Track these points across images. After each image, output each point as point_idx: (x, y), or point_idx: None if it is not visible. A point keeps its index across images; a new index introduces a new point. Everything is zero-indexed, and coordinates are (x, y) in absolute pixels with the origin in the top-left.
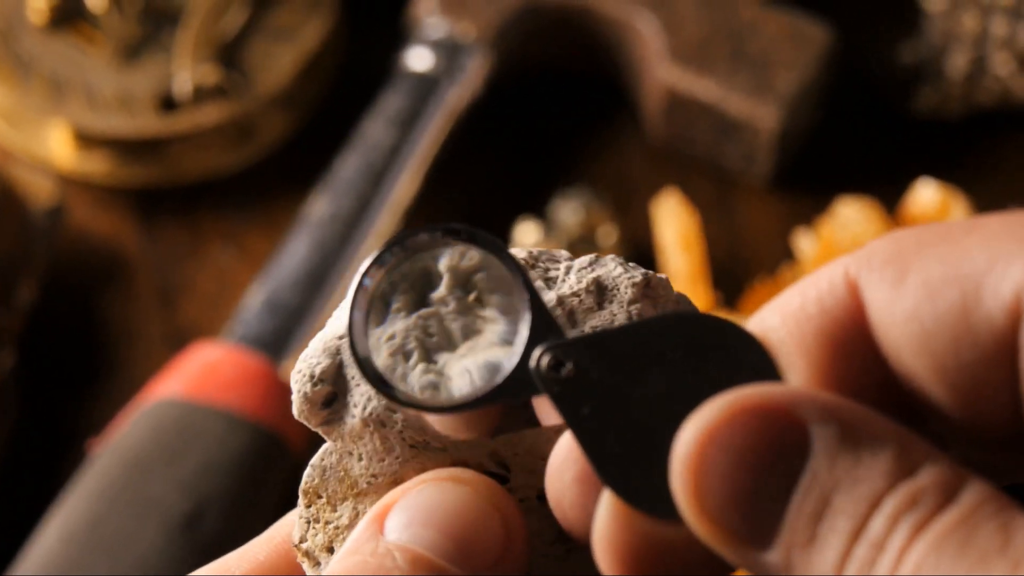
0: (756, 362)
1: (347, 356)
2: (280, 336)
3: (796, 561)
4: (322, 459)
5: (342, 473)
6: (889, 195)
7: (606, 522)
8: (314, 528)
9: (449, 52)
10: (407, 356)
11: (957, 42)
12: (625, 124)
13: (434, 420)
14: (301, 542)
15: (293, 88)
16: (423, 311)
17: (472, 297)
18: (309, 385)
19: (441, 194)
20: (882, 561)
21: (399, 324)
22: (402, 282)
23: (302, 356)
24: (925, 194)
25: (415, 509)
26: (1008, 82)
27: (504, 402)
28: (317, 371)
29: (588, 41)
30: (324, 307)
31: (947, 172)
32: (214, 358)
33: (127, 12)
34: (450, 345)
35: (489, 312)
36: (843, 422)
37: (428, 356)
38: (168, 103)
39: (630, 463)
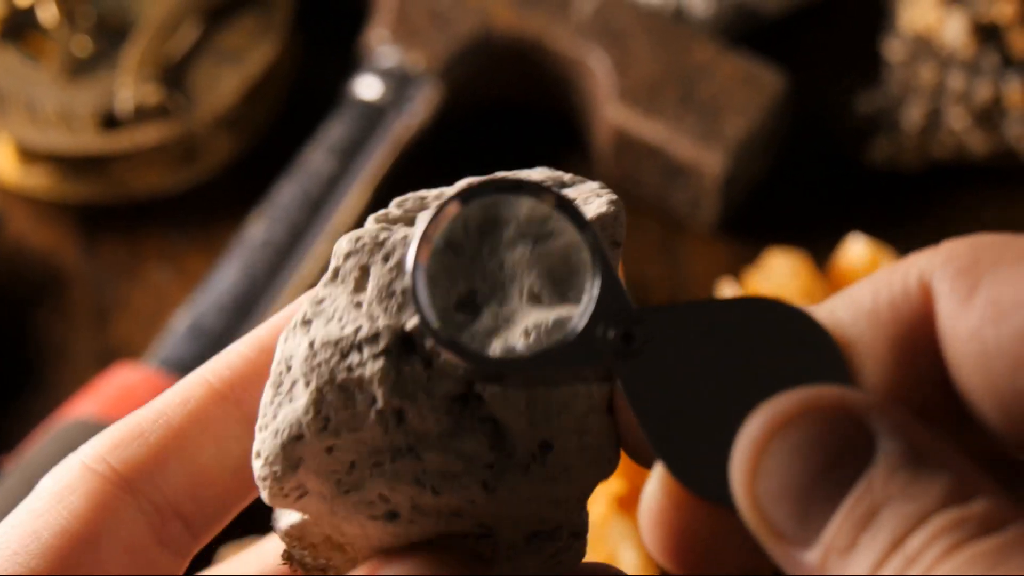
0: (828, 359)
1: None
2: (202, 361)
3: (832, 564)
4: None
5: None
6: (837, 245)
7: (655, 498)
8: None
9: (398, 82)
10: (470, 309)
11: (914, 94)
12: (576, 161)
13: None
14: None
15: (238, 111)
16: (487, 264)
17: (538, 256)
18: (279, 490)
19: None
20: (911, 571)
21: (460, 275)
22: (463, 230)
23: (261, 459)
24: (855, 249)
25: None
26: (963, 137)
27: (563, 368)
28: (281, 477)
29: (540, 76)
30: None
31: (899, 224)
32: (132, 381)
33: (79, 26)
34: (511, 303)
35: (555, 276)
36: (910, 440)
37: (491, 310)
38: (110, 121)
39: (689, 442)
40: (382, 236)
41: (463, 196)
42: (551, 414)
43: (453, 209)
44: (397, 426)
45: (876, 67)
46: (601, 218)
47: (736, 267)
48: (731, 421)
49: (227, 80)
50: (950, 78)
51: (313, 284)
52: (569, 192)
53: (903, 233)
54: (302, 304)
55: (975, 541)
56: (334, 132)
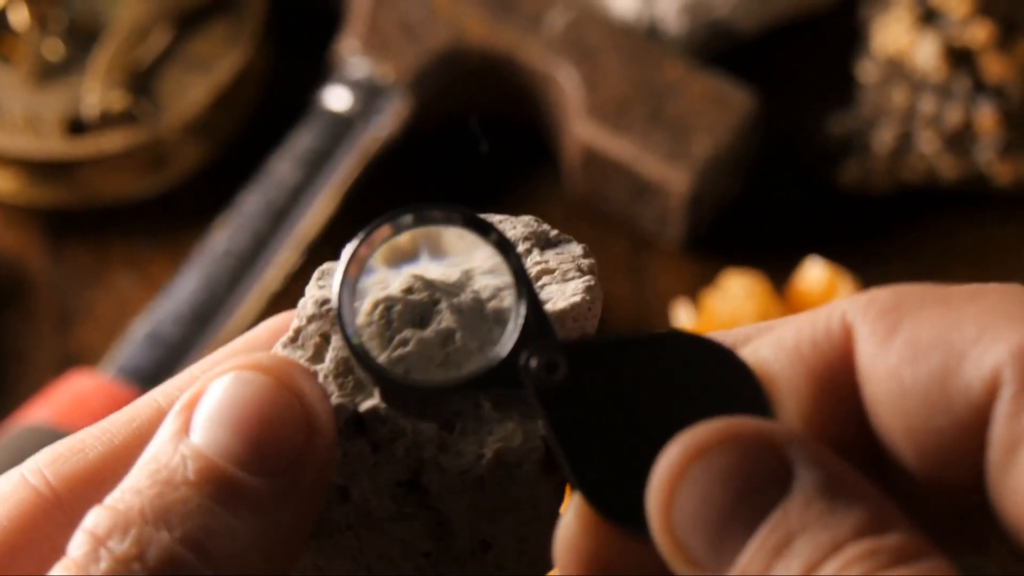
0: (749, 393)
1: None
2: (159, 370)
3: None
4: None
5: None
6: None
7: (571, 527)
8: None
9: (367, 93)
10: (390, 334)
11: (886, 117)
12: (545, 176)
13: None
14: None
15: (207, 119)
16: (394, 327)
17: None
18: None
19: (349, 236)
20: None
21: (384, 297)
22: (389, 258)
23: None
24: (813, 272)
25: (214, 405)
26: (933, 161)
27: (484, 391)
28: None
29: (511, 90)
30: (207, 344)
31: (868, 248)
32: (87, 388)
33: (51, 30)
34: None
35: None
36: (828, 472)
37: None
38: (77, 126)
39: (606, 472)
40: None
41: (394, 221)
42: (495, 516)
43: (385, 232)
44: (340, 503)
45: (850, 89)
46: (573, 308)
47: (701, 286)
48: (650, 452)
49: (195, 88)
50: (921, 101)
51: (275, 294)
52: (549, 253)
53: (872, 257)
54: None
55: (888, 571)
56: (301, 142)
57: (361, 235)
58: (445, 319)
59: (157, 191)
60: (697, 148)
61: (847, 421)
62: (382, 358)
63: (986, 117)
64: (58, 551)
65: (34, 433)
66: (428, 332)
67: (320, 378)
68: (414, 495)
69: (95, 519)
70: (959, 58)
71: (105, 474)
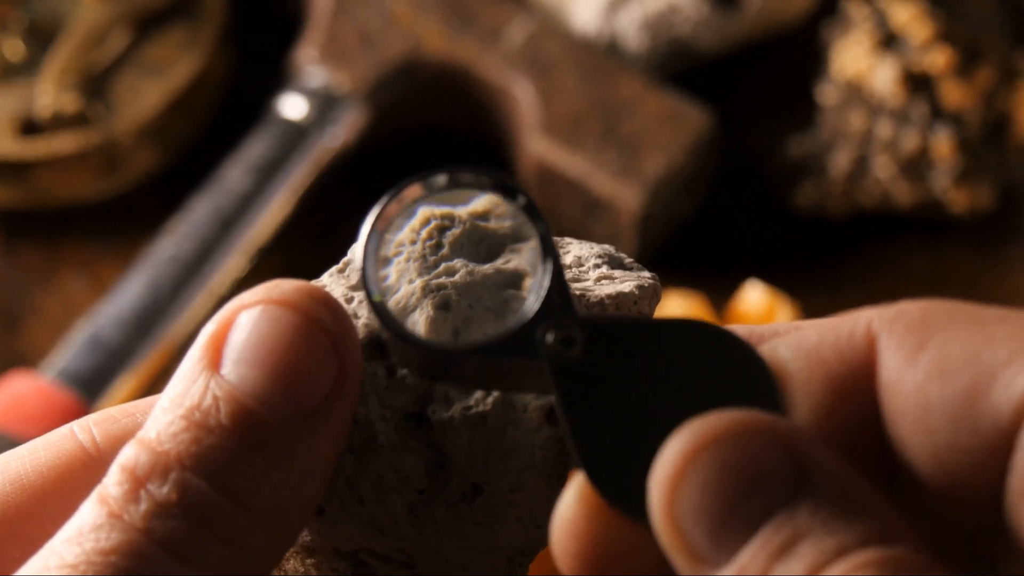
0: (764, 388)
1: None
2: (98, 375)
3: None
4: None
5: None
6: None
7: (571, 507)
8: None
9: (323, 102)
10: (435, 259)
11: (843, 140)
12: None
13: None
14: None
15: (161, 123)
16: (442, 253)
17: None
18: None
19: (301, 246)
20: None
21: (443, 214)
22: (414, 220)
23: None
24: (752, 295)
25: (244, 343)
26: (888, 186)
27: (498, 360)
28: None
29: (468, 103)
30: (147, 350)
31: (822, 271)
32: (25, 390)
33: (11, 30)
34: (462, 295)
35: (509, 265)
36: (839, 478)
37: (439, 300)
38: (30, 127)
39: (612, 454)
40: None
41: (427, 181)
42: (490, 458)
43: (416, 191)
44: (352, 423)
45: (811, 111)
46: (618, 295)
47: None
48: (659, 437)
49: (149, 92)
50: (878, 126)
51: (222, 300)
52: (617, 271)
53: (824, 280)
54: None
55: None
56: (254, 149)
57: (392, 191)
58: (516, 260)
59: (110, 194)
60: (649, 166)
61: (859, 429)
62: (417, 283)
63: (943, 144)
64: None
65: None
66: (488, 267)
67: (356, 302)
68: (419, 430)
69: (134, 456)
70: (918, 84)
71: None
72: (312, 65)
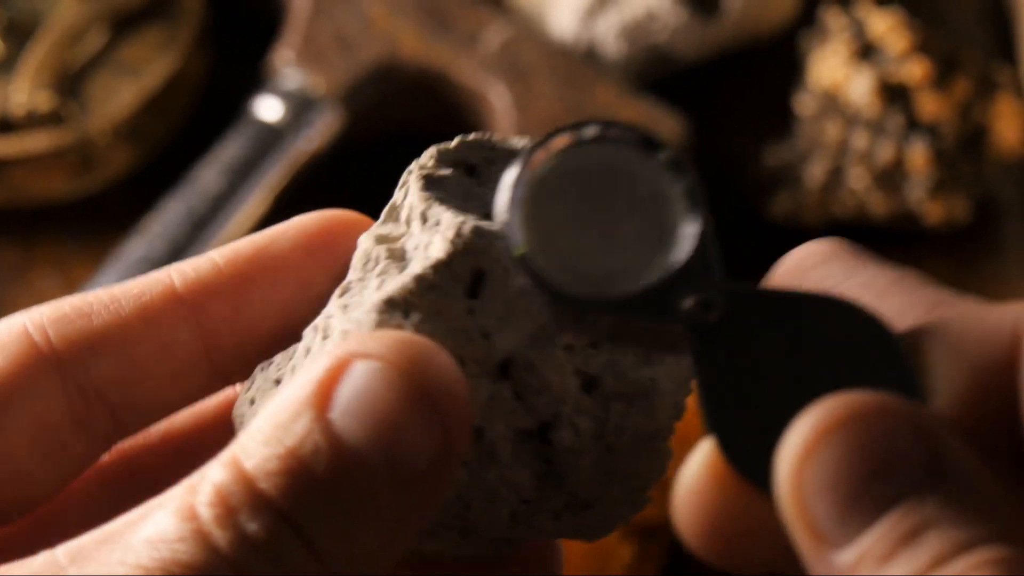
0: (902, 374)
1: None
2: None
3: (864, 569)
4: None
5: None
6: None
7: (697, 474)
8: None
9: (299, 105)
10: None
11: (819, 150)
12: None
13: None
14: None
15: (137, 123)
16: (583, 207)
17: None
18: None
19: None
20: None
21: (557, 213)
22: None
23: None
24: None
25: (354, 398)
26: (863, 197)
27: (635, 317)
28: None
29: (444, 107)
30: None
31: None
32: None
33: None
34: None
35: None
36: (973, 473)
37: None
38: (3, 125)
39: (743, 423)
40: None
41: (577, 131)
42: (611, 479)
43: (564, 140)
44: (473, 442)
45: (789, 121)
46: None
47: None
48: (793, 409)
49: (124, 91)
50: (854, 136)
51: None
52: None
53: None
54: (406, 284)
55: None
56: (228, 151)
57: (539, 139)
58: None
59: (85, 193)
60: None
61: (996, 425)
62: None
63: (918, 155)
64: (47, 410)
65: None
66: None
67: (475, 317)
68: (537, 445)
69: (228, 484)
70: (894, 95)
71: (107, 343)
72: (288, 67)
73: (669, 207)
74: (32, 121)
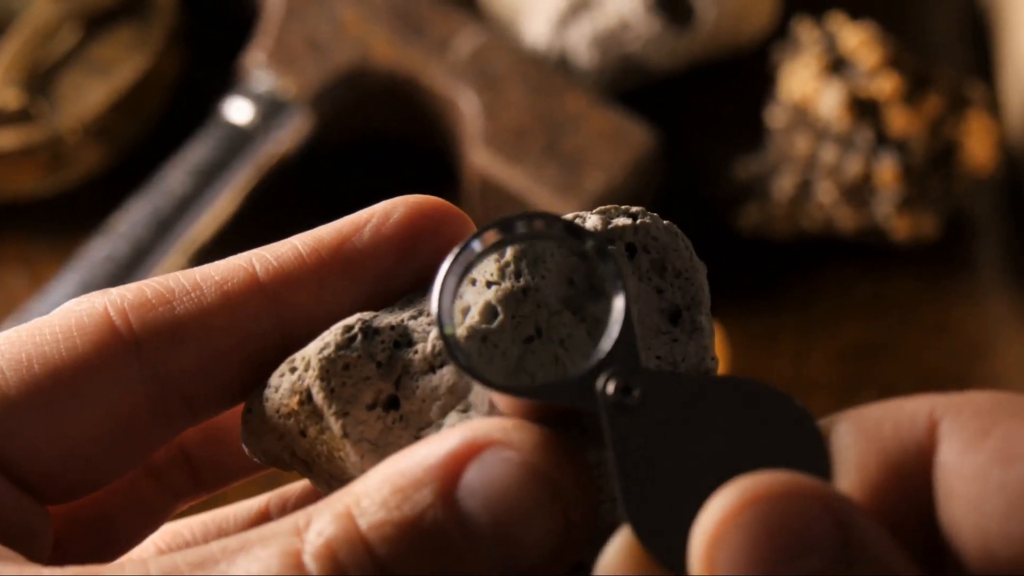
0: (814, 455)
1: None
2: None
3: None
4: None
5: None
6: None
7: (616, 554)
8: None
9: (269, 107)
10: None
11: (788, 163)
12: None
13: (497, 399)
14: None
15: (107, 122)
16: (513, 294)
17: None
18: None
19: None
20: None
21: (483, 299)
22: (492, 263)
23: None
24: None
25: (483, 485)
26: (830, 211)
27: (555, 402)
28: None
29: (414, 112)
30: None
31: (761, 294)
32: None
33: None
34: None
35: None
36: (883, 550)
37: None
38: None
39: (658, 505)
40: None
41: (506, 229)
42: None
43: (492, 236)
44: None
45: (761, 134)
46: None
47: None
48: (705, 492)
49: (94, 91)
50: (823, 150)
51: None
52: None
53: (764, 304)
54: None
55: None
56: (196, 153)
57: (471, 236)
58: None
59: (55, 191)
60: (590, 183)
61: (908, 508)
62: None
63: (886, 170)
64: (125, 396)
65: None
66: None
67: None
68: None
69: (339, 537)
70: (864, 109)
71: (188, 332)
72: (259, 70)
73: (593, 293)
74: (1, 119)
